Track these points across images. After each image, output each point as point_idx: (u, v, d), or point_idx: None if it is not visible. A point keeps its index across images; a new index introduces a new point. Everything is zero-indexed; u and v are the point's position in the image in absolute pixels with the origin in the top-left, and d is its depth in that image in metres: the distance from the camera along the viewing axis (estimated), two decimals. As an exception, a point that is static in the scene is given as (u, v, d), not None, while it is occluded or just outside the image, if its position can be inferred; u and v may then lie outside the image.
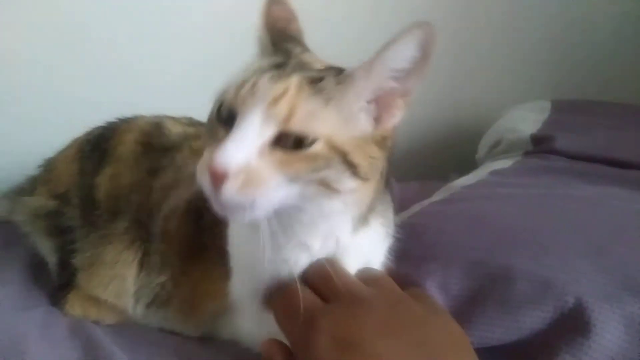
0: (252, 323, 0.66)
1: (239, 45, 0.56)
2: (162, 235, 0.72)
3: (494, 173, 0.97)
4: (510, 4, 1.42)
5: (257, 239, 0.52)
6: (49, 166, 0.89)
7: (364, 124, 0.54)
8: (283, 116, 0.49)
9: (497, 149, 1.14)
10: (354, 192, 0.53)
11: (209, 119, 0.54)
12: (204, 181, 0.49)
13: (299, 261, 0.59)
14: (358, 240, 0.60)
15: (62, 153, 0.89)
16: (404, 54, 0.51)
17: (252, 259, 0.59)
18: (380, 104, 0.54)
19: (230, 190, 0.47)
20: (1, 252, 0.88)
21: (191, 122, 0.88)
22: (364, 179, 0.53)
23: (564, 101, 1.27)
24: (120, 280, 0.74)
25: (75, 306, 0.77)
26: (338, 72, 0.54)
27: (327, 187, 0.51)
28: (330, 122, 0.50)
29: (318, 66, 0.56)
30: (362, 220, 0.60)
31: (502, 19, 1.43)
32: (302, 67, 0.54)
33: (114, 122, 0.88)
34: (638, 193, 0.81)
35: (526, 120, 1.16)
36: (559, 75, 1.48)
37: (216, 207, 0.50)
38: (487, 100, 1.42)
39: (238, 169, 0.47)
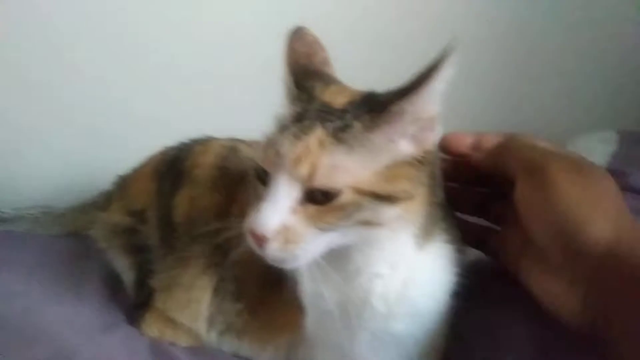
0: (328, 349, 0.67)
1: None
2: (240, 262, 0.71)
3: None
4: (570, 28, 1.39)
5: (325, 286, 0.57)
6: (124, 183, 0.91)
7: (399, 151, 0.54)
8: (305, 176, 0.50)
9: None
10: (399, 216, 0.54)
11: (252, 177, 0.58)
12: (249, 240, 0.54)
13: (373, 290, 0.59)
14: (425, 258, 0.60)
15: (138, 171, 0.90)
16: (445, 76, 0.51)
17: (321, 300, 0.60)
18: (420, 127, 0.54)
19: (272, 249, 0.52)
20: (78, 265, 0.91)
21: None
22: (405, 200, 0.53)
23: (633, 132, 1.21)
24: (195, 305, 0.75)
25: (152, 326, 0.79)
26: (366, 107, 0.53)
27: (367, 224, 0.53)
28: (355, 169, 0.51)
29: (341, 102, 0.55)
30: (424, 235, 0.58)
31: (561, 44, 1.40)
32: (322, 112, 0.54)
33: (187, 144, 0.88)
34: None
35: (592, 152, 1.11)
36: (623, 104, 1.43)
37: (265, 259, 0.54)
38: (551, 129, 1.38)
39: (275, 231, 0.51)
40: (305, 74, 0.60)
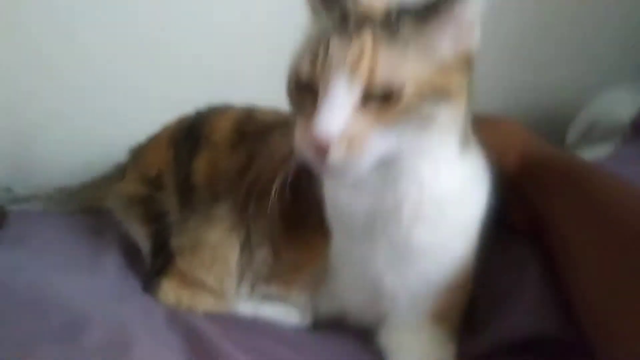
0: (349, 285, 0.68)
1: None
2: (264, 209, 0.71)
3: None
4: None
5: (358, 194, 0.58)
6: (139, 153, 0.91)
7: (446, 50, 0.53)
8: (366, 75, 0.49)
9: (592, 135, 1.07)
10: (451, 115, 0.54)
11: (289, 95, 0.55)
12: (307, 153, 0.51)
13: (408, 195, 0.58)
14: (464, 166, 0.60)
15: (153, 140, 0.90)
16: None
17: (350, 216, 0.61)
18: (463, 30, 0.53)
19: (336, 156, 0.49)
20: (95, 239, 0.90)
21: (278, 112, 0.86)
22: (457, 97, 0.54)
23: None
24: (223, 263, 0.75)
25: (168, 293, 0.78)
26: (409, 11, 0.52)
27: (424, 120, 0.52)
28: (413, 64, 0.50)
29: (379, 8, 0.53)
30: (465, 143, 0.60)
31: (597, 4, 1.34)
32: (365, 15, 0.52)
33: (203, 111, 0.88)
34: None
35: (622, 102, 1.08)
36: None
37: (323, 174, 0.53)
38: (578, 82, 1.33)
39: (339, 135, 0.48)
40: None
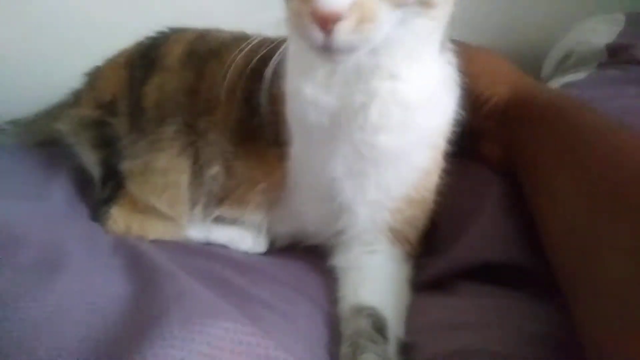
0: (307, 198, 0.66)
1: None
2: (212, 124, 0.70)
3: (568, 85, 0.88)
4: None
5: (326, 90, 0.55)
6: (95, 75, 0.87)
7: None
8: None
9: (566, 64, 1.03)
10: (441, 6, 0.52)
11: None
12: (309, 30, 0.45)
13: (379, 92, 0.56)
14: (436, 69, 0.59)
15: (110, 62, 0.87)
16: None
17: (315, 115, 0.58)
18: None
19: (346, 30, 0.44)
20: (46, 170, 0.86)
21: (237, 32, 0.83)
22: None
23: (639, 14, 1.13)
24: (174, 189, 0.72)
25: (118, 221, 0.75)
26: None
27: (424, 4, 0.49)
28: None
29: None
30: (443, 44, 0.58)
31: None
32: None
33: (164, 33, 0.85)
34: None
35: (599, 32, 1.04)
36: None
37: (324, 55, 0.48)
38: (553, 15, 1.29)
39: (349, 6, 0.43)
40: None
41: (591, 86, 0.85)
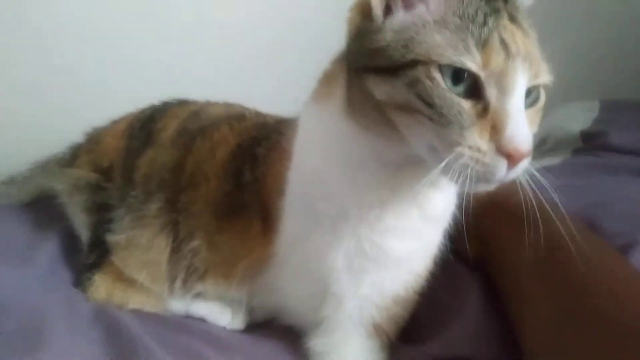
0: (294, 278, 0.64)
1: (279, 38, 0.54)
2: (195, 198, 0.71)
3: (542, 170, 0.91)
4: (559, 6, 1.36)
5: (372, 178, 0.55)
6: (96, 137, 0.89)
7: None
8: (535, 70, 0.47)
9: (544, 148, 1.08)
10: None
11: (435, 93, 0.45)
12: (495, 166, 0.45)
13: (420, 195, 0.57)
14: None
15: (112, 127, 0.88)
16: None
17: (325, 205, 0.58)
18: None
19: (524, 165, 0.46)
20: (34, 231, 0.87)
21: (231, 106, 0.87)
22: None
23: (613, 101, 1.20)
24: (154, 266, 0.72)
25: (100, 288, 0.75)
26: None
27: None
28: (544, 62, 0.49)
29: None
30: None
31: (548, 19, 1.37)
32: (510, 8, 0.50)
33: (167, 103, 0.88)
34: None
35: (575, 118, 1.11)
36: (606, 75, 1.41)
37: (481, 184, 0.48)
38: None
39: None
40: None
41: (564, 173, 0.89)
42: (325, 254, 0.59)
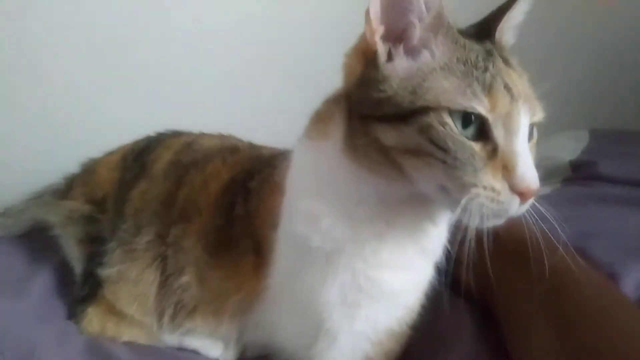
0: (286, 314, 0.64)
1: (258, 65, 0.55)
2: (189, 232, 0.71)
3: (541, 200, 0.93)
4: (545, 37, 1.40)
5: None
6: (91, 168, 0.90)
7: None
8: (534, 111, 0.50)
9: (536, 177, 1.10)
10: None
11: (447, 137, 0.47)
12: (509, 203, 0.47)
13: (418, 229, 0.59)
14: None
15: (106, 158, 0.90)
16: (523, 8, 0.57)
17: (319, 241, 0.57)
18: None
19: (531, 201, 0.49)
20: (27, 263, 0.87)
21: (224, 137, 0.88)
22: None
23: (603, 130, 1.23)
24: (143, 299, 0.72)
25: (93, 321, 0.75)
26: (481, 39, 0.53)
27: None
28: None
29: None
30: None
31: (538, 51, 1.41)
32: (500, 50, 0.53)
33: (161, 134, 0.89)
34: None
35: (564, 148, 1.13)
36: (595, 106, 1.45)
37: (495, 219, 0.49)
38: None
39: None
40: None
41: (554, 202, 0.89)
42: (318, 288, 0.58)
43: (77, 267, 0.82)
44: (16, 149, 1.15)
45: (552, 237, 0.58)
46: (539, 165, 1.07)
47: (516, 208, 0.48)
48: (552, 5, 1.35)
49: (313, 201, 0.57)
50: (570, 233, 0.73)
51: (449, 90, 0.47)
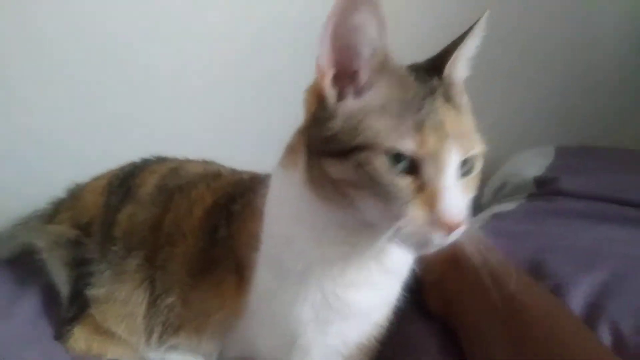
0: (264, 330, 0.68)
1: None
2: (169, 258, 0.75)
3: (496, 217, 0.98)
4: (516, 58, 1.46)
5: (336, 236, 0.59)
6: (77, 193, 0.93)
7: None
8: (466, 147, 0.52)
9: (502, 193, 1.15)
10: None
11: (372, 175, 0.51)
12: (433, 235, 0.51)
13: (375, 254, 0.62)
14: None
15: (92, 183, 0.92)
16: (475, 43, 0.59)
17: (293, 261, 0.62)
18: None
19: (460, 231, 0.51)
20: (15, 288, 0.90)
21: (208, 163, 0.92)
22: None
23: (567, 147, 1.28)
24: (131, 319, 0.76)
25: (79, 340, 0.78)
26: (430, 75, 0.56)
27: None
28: (477, 133, 0.55)
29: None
30: None
31: (509, 73, 1.47)
32: (433, 83, 0.55)
33: (146, 160, 0.92)
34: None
35: (530, 164, 1.18)
36: (562, 123, 1.50)
37: (420, 249, 0.55)
38: (494, 147, 1.43)
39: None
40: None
41: (518, 218, 0.95)
42: (292, 306, 0.63)
43: (64, 289, 0.85)
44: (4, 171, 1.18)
45: (508, 264, 0.63)
46: (507, 181, 1.13)
47: (441, 239, 0.51)
48: (518, 25, 1.42)
49: (286, 225, 0.62)
50: (530, 247, 0.79)
51: (381, 130, 0.51)
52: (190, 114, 1.28)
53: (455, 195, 0.51)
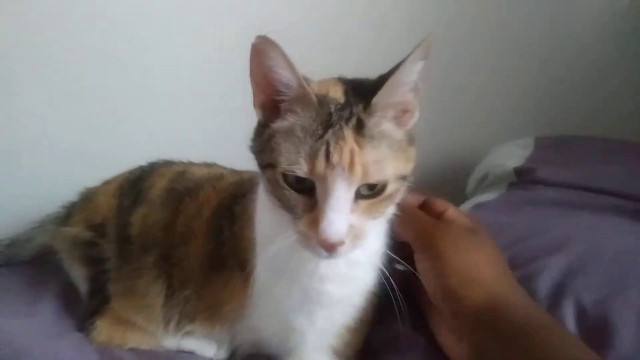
0: (265, 319, 0.77)
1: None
2: (184, 258, 0.83)
3: (478, 206, 1.04)
4: (498, 51, 1.51)
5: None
6: (89, 197, 1.00)
7: (398, 135, 0.62)
8: (360, 176, 0.56)
9: (484, 183, 1.22)
10: (399, 196, 0.65)
11: (278, 189, 0.60)
12: (316, 249, 0.58)
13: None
14: (382, 234, 0.72)
15: (104, 186, 0.99)
16: (415, 68, 0.60)
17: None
18: (401, 111, 0.63)
19: (344, 249, 0.58)
20: (37, 286, 0.98)
21: (211, 166, 0.99)
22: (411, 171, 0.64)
23: (547, 138, 1.34)
24: (150, 309, 0.84)
25: (102, 332, 0.86)
26: (358, 100, 0.60)
27: (394, 199, 0.63)
28: (390, 159, 0.59)
29: (339, 95, 0.62)
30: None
31: (490, 65, 1.53)
32: (339, 111, 0.59)
33: (153, 164, 0.99)
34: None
35: (511, 155, 1.23)
36: (543, 114, 1.56)
37: (323, 258, 0.61)
38: (477, 139, 1.50)
39: (346, 235, 0.57)
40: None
41: (498, 208, 1.02)
42: (283, 300, 0.72)
43: (83, 286, 0.93)
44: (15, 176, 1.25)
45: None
46: (489, 172, 1.21)
47: (324, 254, 0.58)
48: (497, 18, 1.48)
49: (268, 225, 0.71)
50: (508, 239, 0.84)
51: (282, 153, 0.58)
52: (193, 116, 1.34)
53: (335, 219, 0.56)
